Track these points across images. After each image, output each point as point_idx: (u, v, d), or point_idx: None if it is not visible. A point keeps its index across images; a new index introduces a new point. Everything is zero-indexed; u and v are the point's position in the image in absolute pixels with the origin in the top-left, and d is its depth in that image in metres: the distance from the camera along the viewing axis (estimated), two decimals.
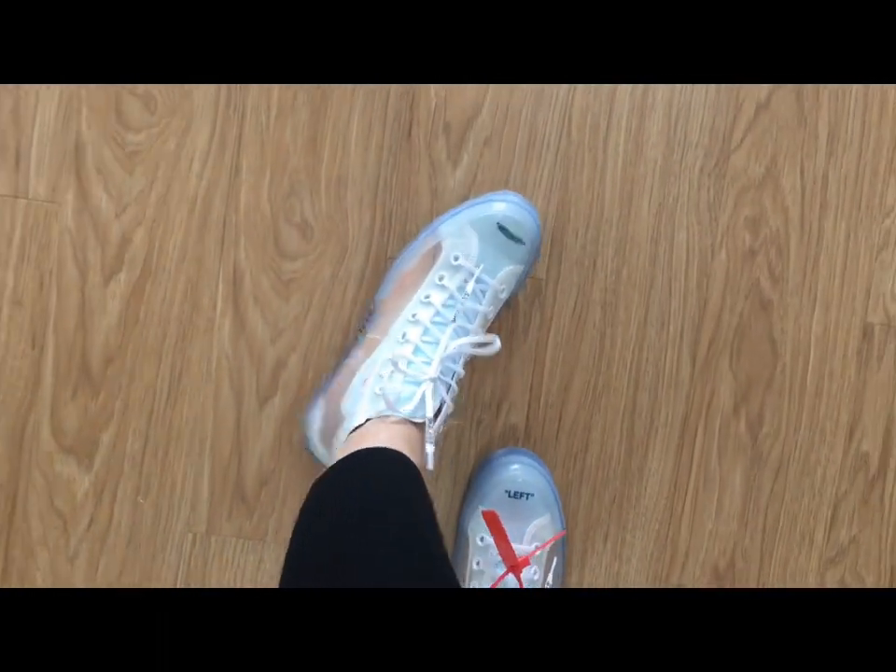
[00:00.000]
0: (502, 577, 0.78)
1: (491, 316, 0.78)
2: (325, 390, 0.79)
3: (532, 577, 0.80)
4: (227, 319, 0.83)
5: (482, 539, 0.81)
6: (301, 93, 0.82)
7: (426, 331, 0.75)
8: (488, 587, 0.80)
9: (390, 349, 0.75)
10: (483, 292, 0.76)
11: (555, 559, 0.82)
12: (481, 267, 0.76)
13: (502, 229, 0.76)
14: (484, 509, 0.78)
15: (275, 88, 0.81)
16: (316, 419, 0.79)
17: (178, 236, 0.82)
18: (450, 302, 0.75)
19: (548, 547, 0.80)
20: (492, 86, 0.82)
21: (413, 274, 0.77)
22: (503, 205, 0.76)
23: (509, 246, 0.76)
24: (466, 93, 0.82)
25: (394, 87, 0.82)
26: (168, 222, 0.82)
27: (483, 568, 0.81)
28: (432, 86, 0.82)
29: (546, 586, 0.81)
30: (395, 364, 0.73)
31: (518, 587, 0.77)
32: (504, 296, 0.78)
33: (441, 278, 0.76)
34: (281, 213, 0.82)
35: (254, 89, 0.81)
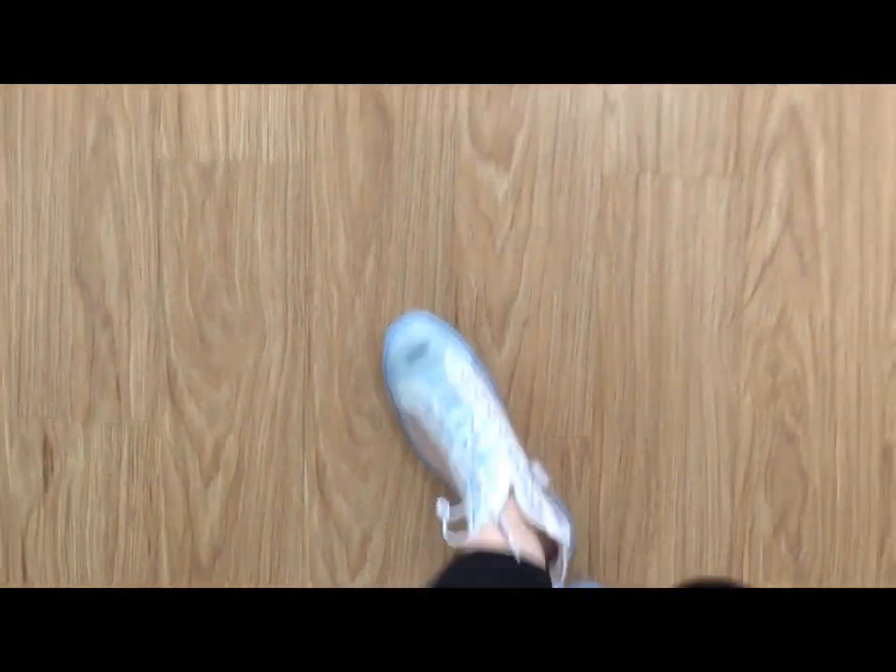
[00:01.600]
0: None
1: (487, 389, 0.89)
2: None
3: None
4: (315, 506, 0.94)
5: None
6: (359, 300, 0.92)
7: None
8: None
9: None
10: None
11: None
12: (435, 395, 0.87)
13: (407, 357, 0.88)
14: None
15: (335, 301, 0.92)
16: None
17: (264, 438, 0.93)
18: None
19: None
20: (524, 272, 0.92)
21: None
22: (393, 338, 0.89)
23: (422, 361, 0.88)
24: (503, 281, 0.92)
25: (437, 286, 0.92)
26: (254, 427, 0.93)
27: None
28: (472, 274, 0.92)
29: None
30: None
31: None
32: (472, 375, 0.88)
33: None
34: (352, 406, 0.93)
35: (316, 298, 0.92)
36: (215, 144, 0.91)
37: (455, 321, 0.93)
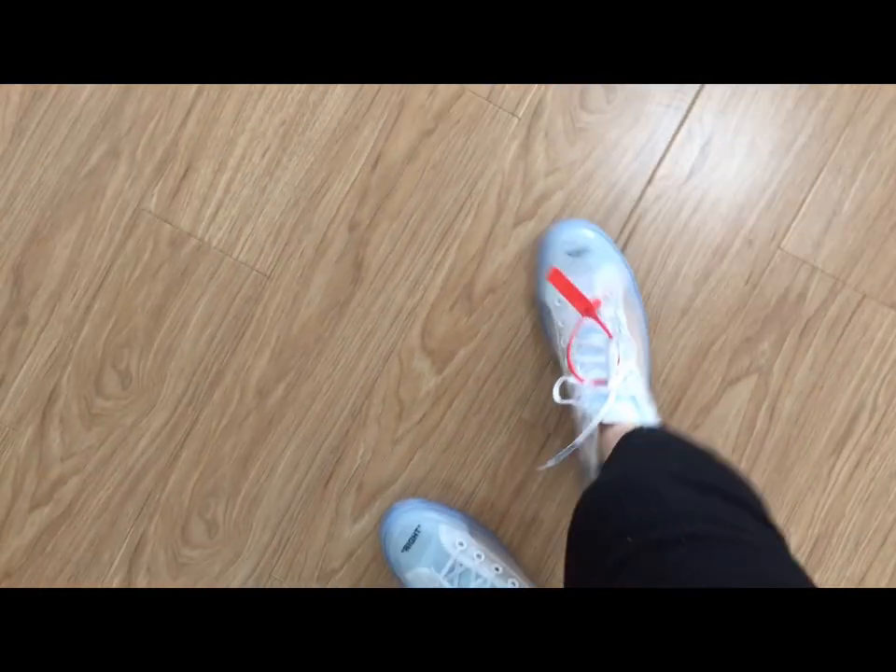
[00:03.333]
0: (579, 323, 0.82)
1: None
2: None
3: (613, 315, 0.82)
4: (117, 578, 0.94)
5: (559, 301, 0.85)
6: (253, 417, 0.94)
7: None
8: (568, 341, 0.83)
9: None
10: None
11: (635, 300, 0.86)
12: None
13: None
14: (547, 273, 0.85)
15: (232, 406, 0.94)
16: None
17: (105, 494, 0.94)
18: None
19: (620, 291, 0.84)
20: (410, 467, 0.94)
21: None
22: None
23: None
24: (387, 465, 0.94)
25: (327, 441, 0.94)
26: (100, 480, 0.94)
27: (566, 324, 0.84)
28: (363, 446, 0.94)
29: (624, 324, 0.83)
30: None
31: (601, 330, 0.81)
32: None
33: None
34: (196, 507, 0.94)
35: (216, 395, 0.94)
36: (199, 220, 0.93)
37: (326, 481, 0.94)
